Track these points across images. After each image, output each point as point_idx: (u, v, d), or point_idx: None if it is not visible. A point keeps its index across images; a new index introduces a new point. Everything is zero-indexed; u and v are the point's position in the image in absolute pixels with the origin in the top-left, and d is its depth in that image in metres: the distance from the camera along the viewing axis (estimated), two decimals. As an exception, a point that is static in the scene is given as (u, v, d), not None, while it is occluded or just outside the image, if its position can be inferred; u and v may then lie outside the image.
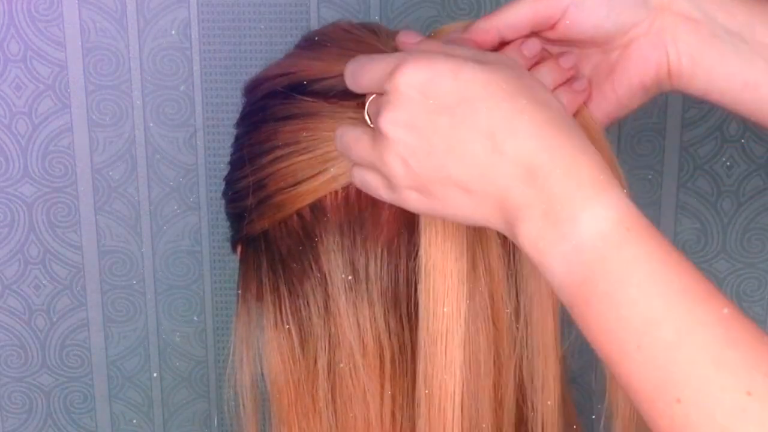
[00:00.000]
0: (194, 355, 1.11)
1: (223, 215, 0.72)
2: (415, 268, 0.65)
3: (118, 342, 1.11)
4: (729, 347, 0.50)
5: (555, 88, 0.63)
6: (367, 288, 0.63)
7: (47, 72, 1.03)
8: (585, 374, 1.03)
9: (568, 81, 0.64)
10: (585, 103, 0.65)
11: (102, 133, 1.05)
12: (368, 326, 0.64)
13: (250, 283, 0.68)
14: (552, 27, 0.63)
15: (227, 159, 0.71)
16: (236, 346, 0.71)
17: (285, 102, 0.66)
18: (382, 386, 0.65)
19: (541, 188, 0.54)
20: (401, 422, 0.66)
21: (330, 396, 0.65)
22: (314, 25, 1.02)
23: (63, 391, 1.12)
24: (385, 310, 0.64)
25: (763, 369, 0.50)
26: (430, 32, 0.68)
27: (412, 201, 0.59)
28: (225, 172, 0.71)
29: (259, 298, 0.67)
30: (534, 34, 0.64)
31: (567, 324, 0.66)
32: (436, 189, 0.58)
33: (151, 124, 1.04)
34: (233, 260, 0.72)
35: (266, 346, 0.67)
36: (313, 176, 0.64)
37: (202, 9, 1.02)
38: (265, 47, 1.02)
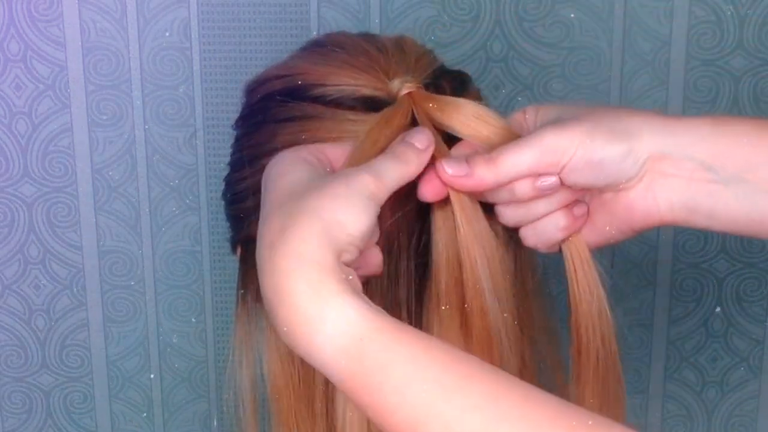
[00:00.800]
0: (194, 355, 1.11)
1: (223, 215, 0.72)
2: (415, 269, 0.65)
3: (118, 342, 1.11)
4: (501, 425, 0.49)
5: (557, 210, 0.64)
6: (367, 290, 0.63)
7: (47, 72, 1.03)
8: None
9: (571, 204, 0.64)
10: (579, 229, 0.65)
11: (102, 133, 1.05)
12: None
13: (250, 285, 0.68)
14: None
15: (227, 159, 0.71)
16: (236, 347, 0.70)
17: (285, 104, 0.66)
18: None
19: (278, 324, 0.55)
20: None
21: (328, 399, 0.65)
22: (314, 25, 1.02)
23: (63, 391, 1.12)
24: (384, 312, 0.64)
25: None
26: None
27: None
28: (225, 173, 0.71)
29: (259, 299, 0.67)
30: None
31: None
32: None
33: (151, 124, 1.04)
34: (233, 260, 0.72)
35: (266, 348, 0.67)
36: (312, 178, 0.64)
37: (202, 9, 1.02)
38: (265, 47, 1.02)
